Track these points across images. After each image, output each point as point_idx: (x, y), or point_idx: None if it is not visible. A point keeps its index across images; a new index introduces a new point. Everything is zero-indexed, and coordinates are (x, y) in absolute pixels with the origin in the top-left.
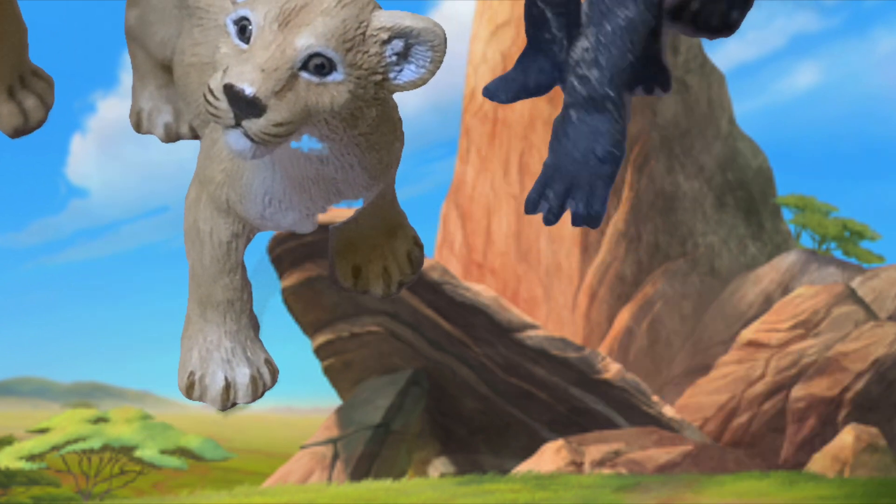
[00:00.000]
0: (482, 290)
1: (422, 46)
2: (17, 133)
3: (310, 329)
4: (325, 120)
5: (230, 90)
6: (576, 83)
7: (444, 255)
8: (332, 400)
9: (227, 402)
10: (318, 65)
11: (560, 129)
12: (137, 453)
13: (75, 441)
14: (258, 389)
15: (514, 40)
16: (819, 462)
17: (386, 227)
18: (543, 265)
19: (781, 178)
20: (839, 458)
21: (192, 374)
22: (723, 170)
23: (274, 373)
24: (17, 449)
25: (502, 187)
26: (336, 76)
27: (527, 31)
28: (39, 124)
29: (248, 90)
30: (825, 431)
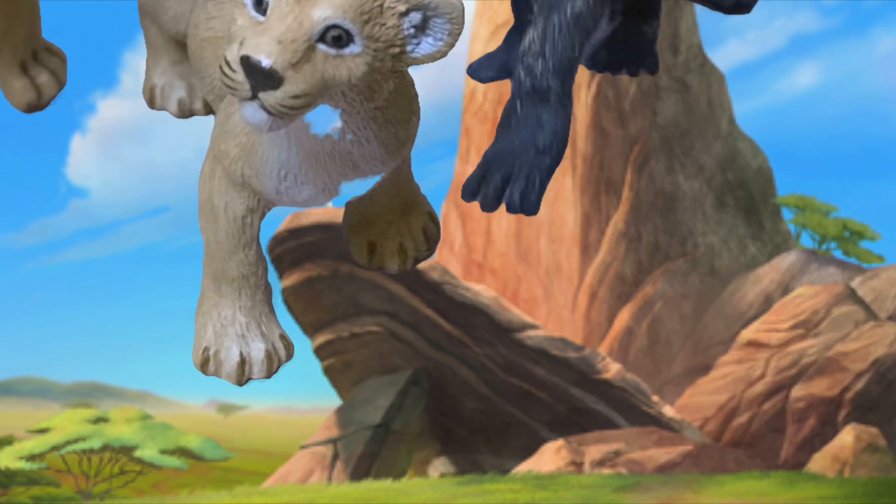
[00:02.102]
0: (482, 290)
1: (440, 19)
2: (31, 108)
3: (310, 329)
4: (342, 93)
5: (247, 62)
6: (522, 73)
7: (444, 255)
8: (332, 400)
9: (243, 377)
10: (336, 36)
11: (505, 118)
12: (137, 453)
13: (75, 441)
14: (273, 364)
15: None
16: (819, 462)
17: (401, 202)
18: (543, 265)
19: (781, 178)
20: (839, 458)
21: (206, 349)
22: (723, 170)
23: (289, 347)
24: (17, 449)
25: None
26: (353, 48)
27: (513, 12)
28: (51, 100)
29: (265, 61)
30: (825, 431)
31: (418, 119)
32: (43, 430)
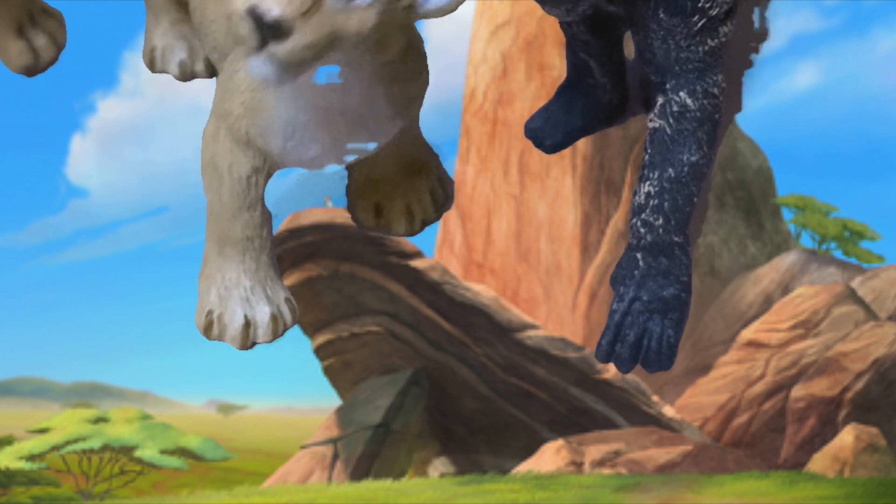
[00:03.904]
0: (482, 290)
1: None
2: (28, 72)
3: (310, 329)
4: (352, 45)
5: (254, 13)
6: (641, 229)
7: (444, 255)
8: (332, 400)
9: (248, 340)
10: None
11: (627, 272)
12: (137, 453)
13: (75, 441)
14: (279, 328)
15: (514, 40)
16: (819, 462)
17: (409, 163)
18: (543, 265)
19: (781, 178)
20: (839, 458)
21: (210, 312)
22: (723, 170)
23: (294, 311)
24: (17, 449)
25: (502, 187)
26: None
27: (569, 76)
28: (50, 64)
29: (274, 12)
30: (825, 431)
31: (428, 77)
32: (43, 430)
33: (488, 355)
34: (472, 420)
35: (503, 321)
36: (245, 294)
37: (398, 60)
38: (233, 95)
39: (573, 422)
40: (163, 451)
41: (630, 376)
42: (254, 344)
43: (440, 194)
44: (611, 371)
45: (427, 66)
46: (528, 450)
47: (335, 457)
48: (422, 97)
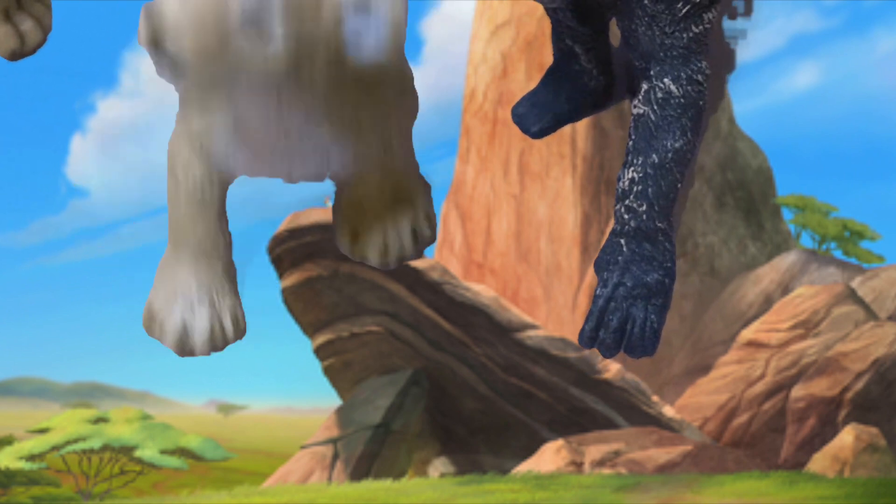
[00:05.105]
0: (482, 290)
1: None
2: (14, 56)
3: (310, 329)
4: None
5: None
6: (625, 214)
7: (444, 255)
8: (332, 400)
9: (184, 346)
10: None
11: (610, 257)
12: (137, 453)
13: (75, 441)
14: (217, 341)
15: (513, 40)
16: (819, 462)
17: (392, 191)
18: (543, 265)
19: (781, 178)
20: (839, 458)
21: (153, 311)
22: (723, 170)
23: (239, 327)
24: (17, 449)
25: (502, 187)
26: None
27: (556, 62)
28: (36, 48)
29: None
30: (825, 431)
31: (409, 101)
32: (43, 430)
33: (488, 355)
34: (472, 420)
35: (503, 321)
36: (190, 300)
37: (350, 86)
38: (189, 102)
39: (573, 422)
40: (163, 451)
41: (630, 376)
42: (191, 352)
43: (426, 234)
44: (611, 371)
45: (408, 88)
46: (528, 450)
47: (335, 457)
48: (389, 122)
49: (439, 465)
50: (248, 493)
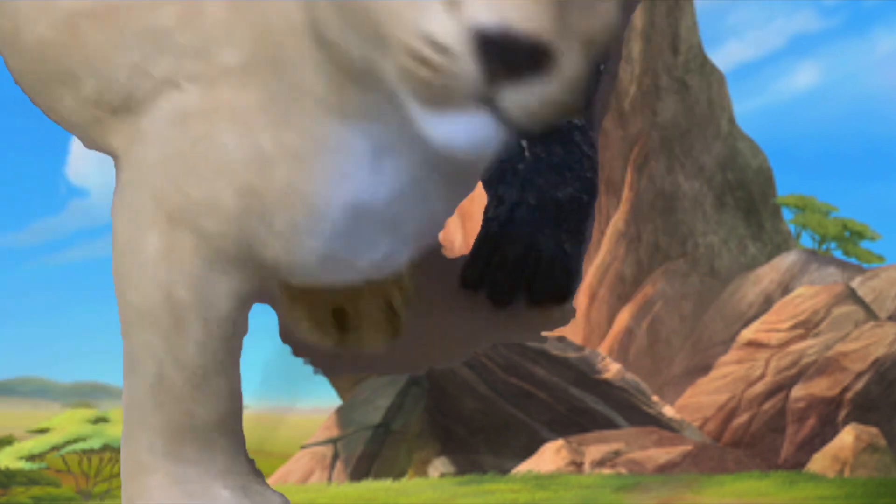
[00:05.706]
0: None
1: None
2: None
3: None
4: None
5: (486, 36)
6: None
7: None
8: (332, 400)
9: None
10: None
11: (506, 164)
12: None
13: (75, 441)
14: None
15: None
16: (819, 462)
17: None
18: None
19: (781, 178)
20: (839, 458)
21: None
22: (723, 170)
23: None
24: (17, 449)
25: None
26: None
27: None
28: None
29: (531, 27)
30: (825, 431)
31: None
32: (43, 430)
33: (488, 355)
34: (472, 420)
35: None
36: None
37: None
38: (207, 173)
39: (573, 422)
40: None
41: (630, 376)
42: None
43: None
44: (611, 371)
45: None
46: (528, 450)
47: (335, 457)
48: None
49: (439, 465)
50: None
